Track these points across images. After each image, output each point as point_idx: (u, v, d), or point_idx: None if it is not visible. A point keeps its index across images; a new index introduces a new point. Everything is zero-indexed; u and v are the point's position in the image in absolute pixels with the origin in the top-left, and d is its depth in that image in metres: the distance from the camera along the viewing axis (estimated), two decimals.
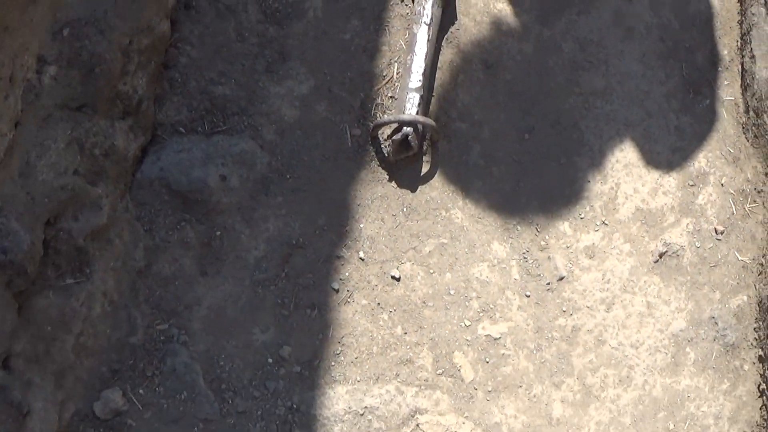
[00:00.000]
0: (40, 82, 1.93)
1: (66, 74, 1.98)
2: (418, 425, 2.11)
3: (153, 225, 2.14)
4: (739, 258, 2.26)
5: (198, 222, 2.16)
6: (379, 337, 2.16)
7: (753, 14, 2.41)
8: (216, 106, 2.26)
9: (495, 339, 2.19)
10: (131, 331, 2.07)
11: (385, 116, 2.28)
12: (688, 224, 2.29)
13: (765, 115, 2.31)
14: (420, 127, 2.24)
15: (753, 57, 2.37)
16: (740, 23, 2.48)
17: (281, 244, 2.20)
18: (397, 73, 2.36)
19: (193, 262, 2.15)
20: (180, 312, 2.11)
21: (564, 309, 2.22)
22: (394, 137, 2.24)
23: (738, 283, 2.24)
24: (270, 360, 2.12)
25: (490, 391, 2.15)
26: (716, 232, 2.28)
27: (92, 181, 2.03)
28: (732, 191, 2.32)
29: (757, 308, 2.20)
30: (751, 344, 2.20)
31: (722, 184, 2.33)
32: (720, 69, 2.45)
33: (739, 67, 2.44)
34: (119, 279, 2.08)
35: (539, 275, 2.24)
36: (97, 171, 2.05)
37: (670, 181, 2.34)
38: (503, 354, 2.18)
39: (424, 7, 2.34)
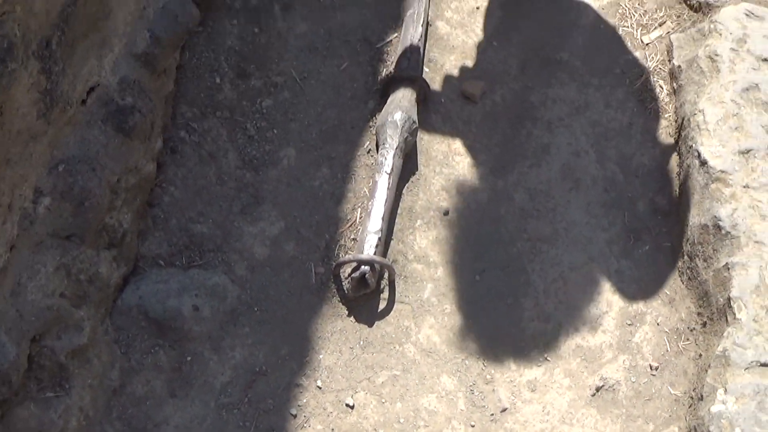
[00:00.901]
0: (35, 211, 2.27)
1: (59, 206, 2.34)
2: None
3: (129, 348, 2.51)
4: (672, 392, 2.60)
5: (171, 347, 2.54)
6: None
7: (688, 166, 2.82)
8: (194, 243, 2.68)
9: None
10: None
11: (346, 256, 2.69)
12: (624, 360, 2.65)
13: (697, 259, 2.69)
14: (377, 266, 2.65)
15: (688, 205, 2.77)
16: (678, 174, 2.90)
17: (246, 371, 2.56)
18: (360, 217, 2.78)
19: (164, 384, 2.51)
20: (149, 430, 2.44)
21: None
22: (353, 275, 2.64)
23: (670, 416, 2.57)
24: None
25: None
26: (651, 368, 2.63)
27: (76, 304, 2.41)
28: (667, 330, 2.69)
29: None
30: None
31: (658, 323, 2.70)
32: (659, 217, 2.85)
33: (676, 215, 2.85)
34: (95, 396, 2.44)
35: (484, 406, 2.59)
36: (81, 295, 2.42)
37: (609, 320, 2.71)
38: None
39: (386, 158, 2.77)
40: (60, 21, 2.25)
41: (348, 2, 3.18)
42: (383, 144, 2.79)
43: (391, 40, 3.11)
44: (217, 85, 2.92)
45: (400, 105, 2.84)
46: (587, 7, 3.28)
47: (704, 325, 2.62)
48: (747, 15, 3.06)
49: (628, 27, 3.25)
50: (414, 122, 2.83)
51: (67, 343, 2.37)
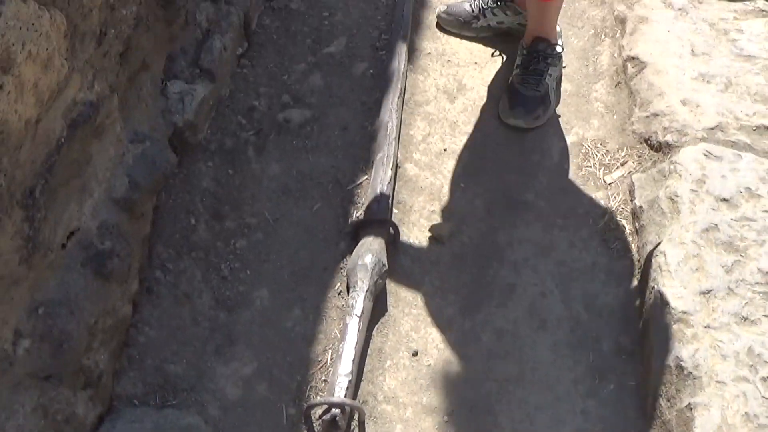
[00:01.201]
0: (15, 352, 2.35)
1: (38, 347, 2.42)
2: None
3: None
4: None
5: None
6: None
7: (651, 307, 2.97)
8: (168, 383, 2.79)
9: None
10: None
11: (317, 398, 2.81)
12: None
13: (660, 399, 2.82)
14: (348, 408, 2.77)
15: (651, 346, 2.93)
16: (640, 316, 3.06)
17: None
18: (331, 359, 2.91)
19: None
20: None
21: None
22: (324, 417, 2.75)
23: None
24: None
25: None
26: None
27: None
28: None
29: None
30: None
31: None
32: (624, 357, 3.00)
33: (640, 354, 3.00)
34: None
35: None
36: None
37: None
38: None
39: (356, 301, 2.92)
40: (44, 170, 2.40)
41: (320, 145, 3.37)
42: (354, 287, 2.94)
43: (362, 182, 3.29)
44: (192, 226, 3.07)
45: (371, 248, 3.00)
46: (551, 148, 3.49)
47: None
48: (706, 155, 3.26)
49: (590, 167, 3.45)
50: (384, 265, 2.99)
51: None
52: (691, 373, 2.76)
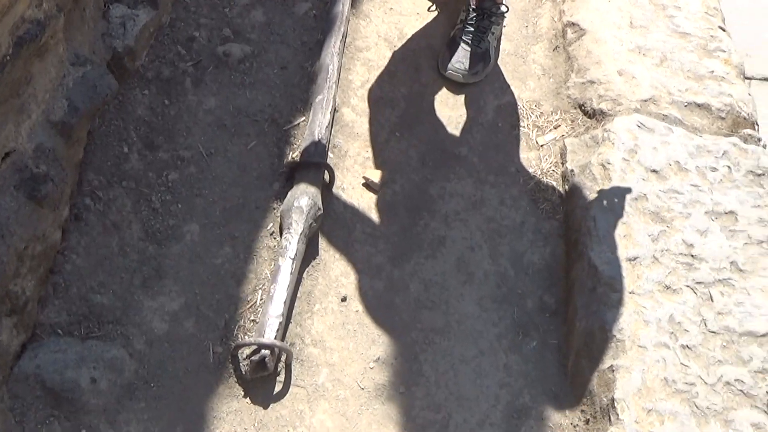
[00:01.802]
0: None
1: None
2: None
3: (24, 417, 2.55)
4: None
5: (66, 419, 2.59)
6: None
7: (578, 269, 3.03)
8: (93, 313, 2.75)
9: None
10: None
11: (247, 338, 2.80)
12: None
13: (582, 359, 2.89)
14: (277, 350, 2.77)
15: (575, 307, 2.99)
16: (567, 275, 3.12)
17: None
18: (261, 299, 2.90)
19: None
20: None
21: None
22: (252, 357, 2.75)
23: None
24: None
25: None
26: None
27: None
28: (551, 425, 2.85)
29: None
30: None
31: (542, 418, 2.86)
32: (547, 315, 3.05)
33: (564, 314, 3.06)
34: None
35: None
36: None
37: (497, 413, 2.87)
38: None
39: (290, 243, 2.91)
40: None
41: (258, 82, 3.33)
42: (288, 228, 2.92)
43: (299, 124, 3.26)
44: (124, 154, 3.02)
45: (307, 191, 2.98)
46: (486, 105, 3.51)
47: (587, 422, 2.82)
48: (639, 126, 3.32)
49: (524, 127, 3.48)
50: (319, 209, 2.98)
51: None
52: (614, 336, 2.84)
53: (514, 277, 3.11)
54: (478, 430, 2.83)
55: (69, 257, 2.79)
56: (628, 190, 3.11)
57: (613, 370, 2.79)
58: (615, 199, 3.11)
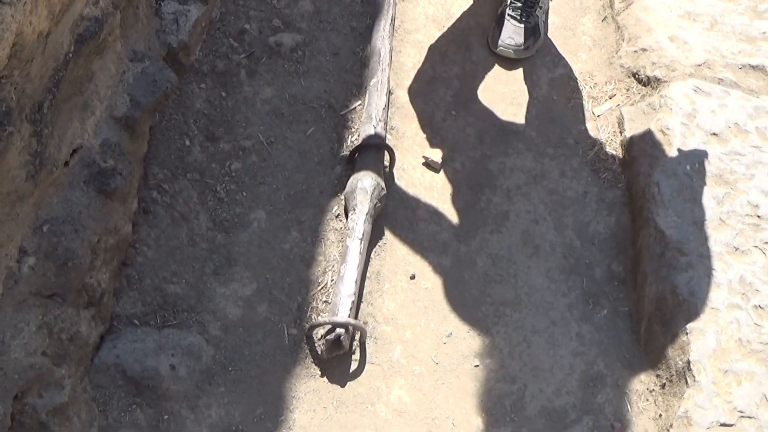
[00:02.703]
0: (20, 270, 2.37)
1: (42, 265, 2.45)
2: None
3: (107, 406, 2.62)
4: None
5: (148, 406, 2.65)
6: None
7: (644, 235, 3.06)
8: (168, 303, 2.81)
9: None
10: None
11: (320, 318, 2.85)
12: (588, 421, 2.84)
13: (655, 324, 2.91)
14: (351, 329, 2.81)
15: (645, 273, 3.00)
16: (634, 243, 3.14)
17: (222, 430, 2.67)
18: (332, 281, 2.94)
19: None
20: None
21: None
22: (327, 337, 2.79)
23: None
24: None
25: None
26: (613, 427, 2.83)
27: (57, 362, 2.51)
28: (627, 391, 2.89)
29: None
30: None
31: (618, 385, 2.90)
32: (616, 283, 3.08)
33: (633, 281, 3.08)
34: None
35: None
36: (62, 354, 2.53)
37: (572, 382, 2.90)
38: None
39: (357, 223, 2.95)
40: (51, 85, 2.39)
41: (311, 69, 3.37)
42: (353, 210, 2.97)
43: (355, 108, 3.31)
44: (186, 147, 3.07)
45: (369, 172, 3.03)
46: (540, 79, 3.53)
47: (663, 386, 2.84)
48: (695, 91, 3.33)
49: (579, 99, 3.50)
50: (383, 189, 3.02)
51: (48, 401, 2.46)
52: (686, 299, 2.85)
53: (581, 247, 3.13)
54: (554, 399, 2.85)
55: (140, 250, 2.85)
56: (692, 154, 3.12)
57: (687, 333, 2.80)
58: (677, 164, 3.11)
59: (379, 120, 3.16)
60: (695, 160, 3.12)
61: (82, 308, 2.61)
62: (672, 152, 3.14)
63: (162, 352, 2.68)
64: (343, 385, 2.80)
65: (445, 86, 3.46)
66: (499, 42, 3.54)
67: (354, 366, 2.83)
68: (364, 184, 2.98)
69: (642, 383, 2.88)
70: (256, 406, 2.72)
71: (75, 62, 2.49)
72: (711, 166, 3.12)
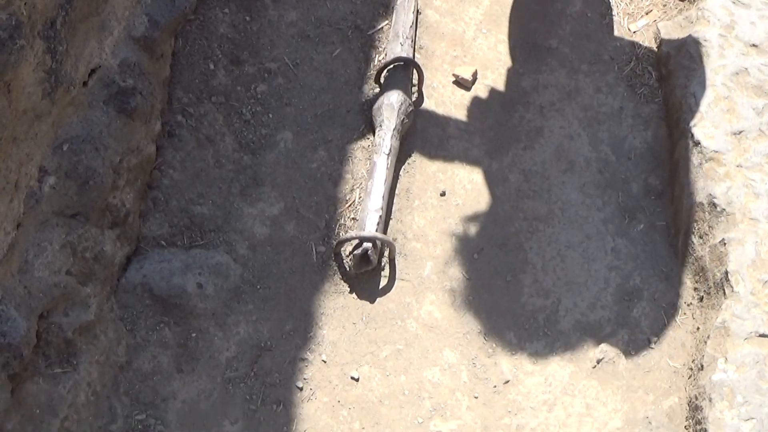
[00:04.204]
0: (41, 190, 2.39)
1: (64, 184, 2.47)
2: None
3: (135, 325, 2.64)
4: (671, 364, 2.77)
5: (176, 324, 2.67)
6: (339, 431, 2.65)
7: (681, 147, 3.00)
8: (194, 224, 2.82)
9: None
10: (112, 420, 2.53)
11: (349, 233, 2.83)
12: (623, 335, 2.81)
13: (693, 236, 2.86)
14: (379, 243, 2.80)
15: (682, 185, 2.94)
16: (671, 156, 3.08)
17: (251, 346, 2.69)
18: (359, 198, 2.93)
19: (171, 360, 2.64)
20: (157, 404, 2.58)
21: (509, 409, 2.71)
22: (355, 252, 2.79)
23: (670, 387, 2.74)
24: None
25: None
26: (650, 341, 2.80)
27: (82, 281, 2.53)
28: (664, 305, 2.85)
29: (687, 408, 2.68)
30: None
31: (655, 299, 2.86)
32: (653, 197, 3.03)
33: (670, 194, 3.03)
34: (103, 372, 2.56)
35: (486, 379, 2.74)
36: (87, 273, 2.55)
37: (607, 296, 2.87)
38: None
39: (384, 139, 2.93)
40: (64, 1, 2.39)
41: None
42: (380, 126, 2.95)
43: (382, 27, 3.28)
44: (211, 71, 3.06)
45: (396, 88, 3.00)
46: None
47: (701, 299, 2.79)
48: (733, 3, 3.25)
49: (614, 15, 3.44)
50: (410, 105, 3.00)
51: (74, 320, 2.48)
52: (724, 210, 2.80)
53: (616, 162, 3.09)
54: (589, 313, 2.83)
55: (166, 172, 2.85)
56: (730, 65, 3.05)
57: (725, 244, 2.75)
58: (715, 75, 3.05)
59: (407, 38, 3.13)
60: (734, 70, 3.05)
61: (107, 228, 2.62)
62: (709, 64, 3.08)
63: (189, 271, 2.69)
64: (372, 301, 2.79)
65: (475, 4, 3.41)
66: None
67: (383, 282, 2.82)
68: (391, 100, 2.96)
69: (679, 297, 2.84)
70: (285, 322, 2.72)
71: None
72: (750, 78, 3.05)
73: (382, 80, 3.10)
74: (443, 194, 2.97)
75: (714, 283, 2.74)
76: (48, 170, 2.45)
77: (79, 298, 2.51)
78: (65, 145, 2.50)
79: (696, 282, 2.82)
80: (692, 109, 3.01)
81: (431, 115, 3.13)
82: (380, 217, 2.78)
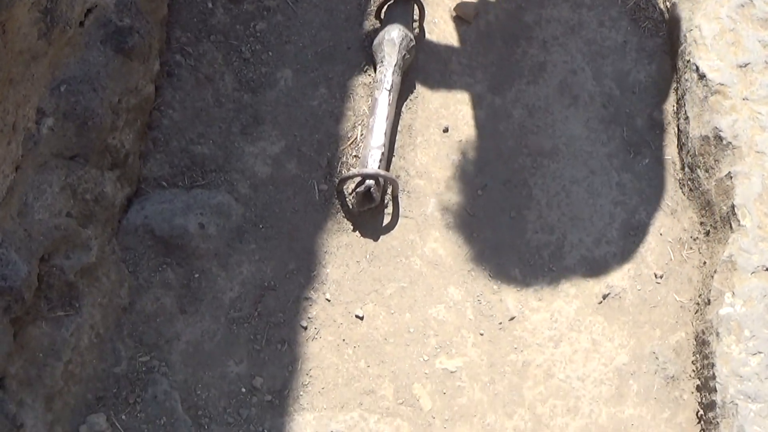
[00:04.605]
0: (39, 131, 2.37)
1: (62, 126, 2.44)
2: None
3: (137, 267, 2.62)
4: (677, 299, 2.75)
5: (178, 265, 2.66)
6: (344, 370, 2.63)
7: (686, 80, 2.97)
8: (195, 164, 2.79)
9: (451, 372, 2.66)
10: (116, 362, 2.53)
11: (351, 171, 2.81)
12: (629, 270, 2.79)
13: (699, 170, 2.84)
14: (381, 180, 2.78)
15: (687, 118, 2.91)
16: (675, 89, 3.04)
17: (254, 286, 2.68)
18: (361, 135, 2.90)
19: (174, 301, 2.63)
20: (161, 346, 2.57)
21: (515, 346, 2.70)
22: (357, 190, 2.76)
23: (676, 322, 2.73)
24: (243, 390, 2.57)
25: (446, 420, 2.61)
26: (656, 276, 2.78)
27: (83, 223, 2.51)
28: (670, 240, 2.84)
29: (695, 343, 2.67)
30: (690, 376, 2.66)
31: (661, 234, 2.84)
32: (658, 131, 3.00)
33: (675, 128, 2.99)
34: (105, 314, 2.55)
35: (492, 315, 2.73)
36: (87, 215, 2.53)
37: (613, 231, 2.85)
38: (459, 386, 2.65)
39: (385, 75, 2.89)
40: None
41: None
42: (381, 62, 2.91)
43: None
44: (209, 9, 3.02)
45: (397, 24, 2.96)
46: None
47: (707, 233, 2.77)
48: None
49: None
50: (411, 40, 2.96)
51: (75, 262, 2.47)
52: (730, 143, 2.77)
53: (621, 96, 3.05)
54: (594, 248, 2.81)
55: (165, 112, 2.83)
56: None
57: (731, 177, 2.73)
58: (720, 7, 3.00)
59: None
60: (739, 2, 3.00)
61: (107, 169, 2.60)
62: None
63: (190, 212, 2.67)
64: (376, 239, 2.78)
65: None
66: None
67: (387, 220, 2.80)
68: (392, 35, 2.92)
69: (686, 231, 2.82)
70: (288, 261, 2.71)
71: None
72: (756, 10, 3.00)
73: (382, 16, 3.05)
74: (446, 130, 2.95)
75: (720, 217, 2.72)
76: (46, 112, 2.42)
77: (80, 240, 2.49)
78: (63, 86, 2.47)
79: (702, 216, 2.80)
80: (697, 42, 2.97)
81: (433, 51, 3.09)
82: (382, 154, 2.76)
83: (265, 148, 2.84)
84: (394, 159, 2.87)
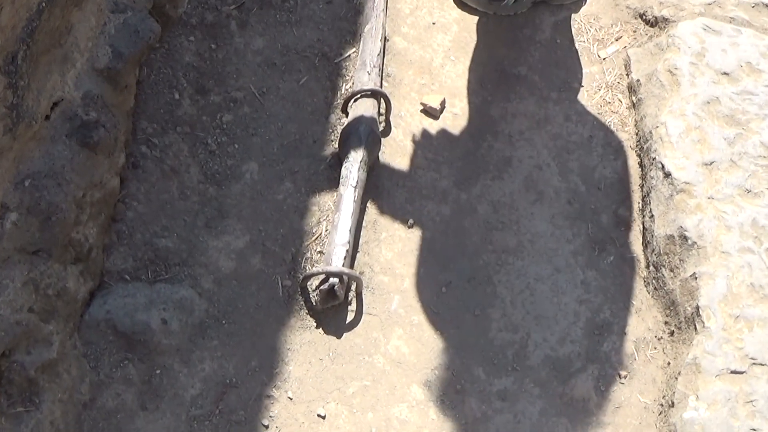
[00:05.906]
0: (2, 227, 2.41)
1: (25, 221, 2.48)
2: None
3: (98, 362, 2.68)
4: (642, 400, 2.83)
5: (140, 361, 2.71)
6: None
7: (652, 177, 3.08)
8: (159, 257, 2.86)
9: None
10: None
11: (315, 268, 2.89)
12: (593, 370, 2.87)
13: (664, 269, 2.95)
14: (345, 278, 2.86)
15: (652, 216, 3.02)
16: (641, 186, 3.15)
17: (216, 383, 2.74)
18: (326, 230, 2.99)
19: (135, 397, 2.68)
20: None
21: None
22: (321, 287, 2.84)
23: (640, 423, 2.79)
24: None
25: None
26: (620, 376, 2.87)
27: (45, 318, 2.56)
28: (634, 339, 2.92)
29: None
30: None
31: (625, 333, 2.93)
32: (623, 228, 3.10)
33: (641, 226, 3.09)
34: (66, 410, 2.59)
35: (455, 416, 2.78)
36: (49, 310, 2.58)
37: (577, 330, 2.94)
38: None
39: (350, 171, 2.98)
40: (25, 35, 2.42)
41: (304, 18, 3.40)
42: (347, 157, 3.01)
43: (350, 55, 3.34)
44: (176, 100, 3.12)
45: (363, 119, 3.06)
46: (542, 22, 3.54)
47: (672, 333, 2.87)
48: (704, 29, 3.34)
49: (584, 42, 3.52)
50: (377, 135, 3.06)
51: (36, 358, 2.52)
52: (695, 243, 2.87)
53: (586, 192, 3.16)
54: (558, 348, 2.89)
55: (130, 204, 2.90)
56: (701, 94, 3.13)
57: (696, 278, 2.83)
58: (686, 104, 3.13)
59: (374, 66, 3.19)
60: (705, 99, 3.13)
61: (70, 264, 2.66)
62: (680, 93, 3.16)
63: (153, 307, 2.73)
64: (339, 337, 2.85)
65: (443, 31, 3.48)
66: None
67: (350, 317, 2.88)
68: (358, 130, 3.02)
69: (650, 331, 2.91)
70: (251, 358, 2.77)
71: (50, 12, 2.52)
72: (722, 107, 3.13)
73: (349, 109, 3.15)
74: (411, 226, 3.04)
75: (685, 317, 2.82)
76: (10, 207, 2.47)
77: (42, 335, 2.54)
78: (27, 180, 2.53)
79: (667, 316, 2.90)
80: (662, 139, 3.09)
81: (399, 145, 3.20)
82: (347, 251, 2.84)
83: (230, 242, 2.92)
84: (358, 255, 2.95)
